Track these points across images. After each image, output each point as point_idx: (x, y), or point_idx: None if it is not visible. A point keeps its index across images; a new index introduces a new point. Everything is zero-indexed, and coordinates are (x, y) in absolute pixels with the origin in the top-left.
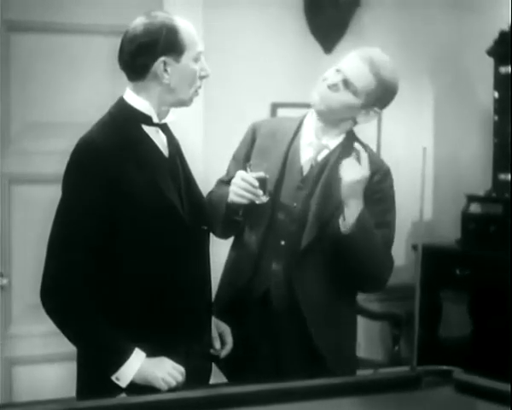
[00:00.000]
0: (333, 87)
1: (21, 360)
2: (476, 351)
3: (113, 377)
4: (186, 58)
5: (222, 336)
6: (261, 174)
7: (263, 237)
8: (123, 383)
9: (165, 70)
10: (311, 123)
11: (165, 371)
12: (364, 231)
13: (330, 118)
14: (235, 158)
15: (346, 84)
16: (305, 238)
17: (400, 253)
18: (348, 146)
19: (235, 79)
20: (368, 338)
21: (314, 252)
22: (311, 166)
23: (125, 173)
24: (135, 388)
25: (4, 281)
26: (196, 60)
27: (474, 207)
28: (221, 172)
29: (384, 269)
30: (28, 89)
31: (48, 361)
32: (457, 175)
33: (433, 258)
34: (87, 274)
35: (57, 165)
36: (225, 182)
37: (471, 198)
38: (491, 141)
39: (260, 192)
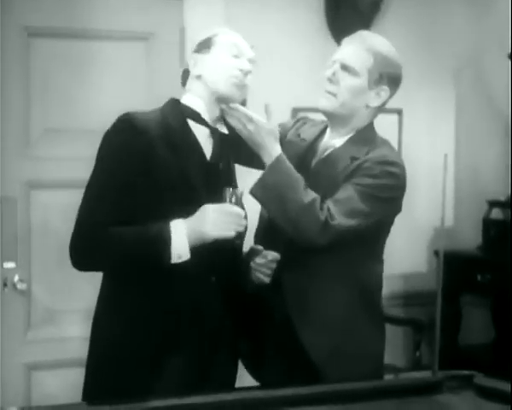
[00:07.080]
0: (332, 77)
1: (40, 365)
2: (497, 357)
3: (176, 259)
4: (215, 50)
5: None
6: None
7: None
8: (185, 256)
9: (195, 64)
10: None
11: (219, 214)
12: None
13: (342, 116)
14: None
15: (344, 67)
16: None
17: (422, 259)
18: (359, 140)
19: (255, 82)
20: (389, 343)
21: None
22: (315, 165)
23: (156, 156)
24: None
25: (23, 286)
26: (231, 54)
27: (496, 213)
28: (241, 180)
29: (300, 232)
30: (47, 95)
31: (66, 366)
32: (479, 181)
33: (454, 264)
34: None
35: (76, 171)
36: None
37: (492, 204)
38: None
39: None
